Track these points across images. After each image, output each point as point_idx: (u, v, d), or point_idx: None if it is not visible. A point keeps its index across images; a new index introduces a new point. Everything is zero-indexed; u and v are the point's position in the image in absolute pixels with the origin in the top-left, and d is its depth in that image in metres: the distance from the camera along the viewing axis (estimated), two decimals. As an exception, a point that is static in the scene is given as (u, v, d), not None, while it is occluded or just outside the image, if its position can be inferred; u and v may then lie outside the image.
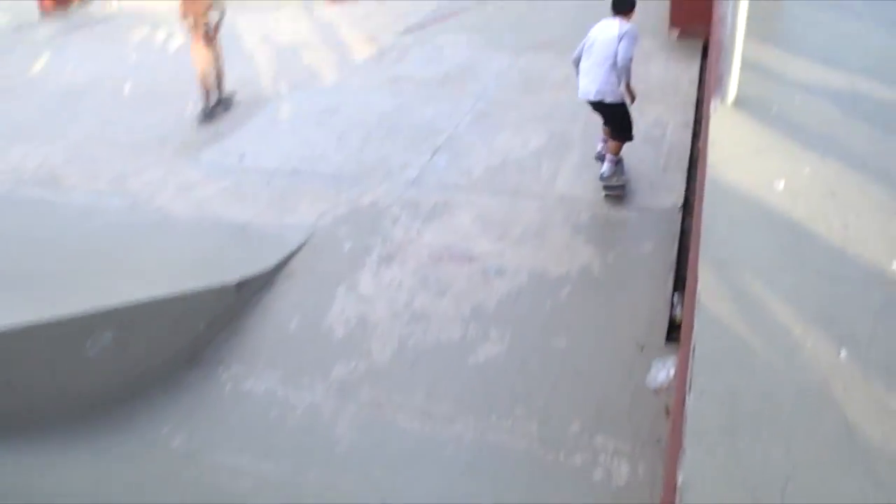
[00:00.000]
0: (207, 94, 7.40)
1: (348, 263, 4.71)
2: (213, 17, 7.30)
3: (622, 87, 4.78)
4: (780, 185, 2.77)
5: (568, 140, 5.98)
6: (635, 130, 5.10)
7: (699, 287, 2.28)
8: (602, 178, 5.08)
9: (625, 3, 4.71)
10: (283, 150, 6.42)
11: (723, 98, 3.38)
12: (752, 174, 2.84)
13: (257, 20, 11.88)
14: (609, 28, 4.73)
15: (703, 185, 2.85)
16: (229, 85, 7.98)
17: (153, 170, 6.42)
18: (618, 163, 5.11)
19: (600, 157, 5.36)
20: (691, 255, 2.88)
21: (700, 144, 3.68)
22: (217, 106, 7.51)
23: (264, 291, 4.44)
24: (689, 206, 4.82)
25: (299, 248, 4.87)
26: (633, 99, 5.03)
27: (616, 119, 4.95)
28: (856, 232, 2.53)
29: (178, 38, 11.56)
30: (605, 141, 5.31)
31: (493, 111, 6.70)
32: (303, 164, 6.11)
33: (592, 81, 4.76)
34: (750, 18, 3.22)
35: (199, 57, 7.30)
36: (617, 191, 5.07)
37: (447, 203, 5.27)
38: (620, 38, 4.64)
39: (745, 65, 3.40)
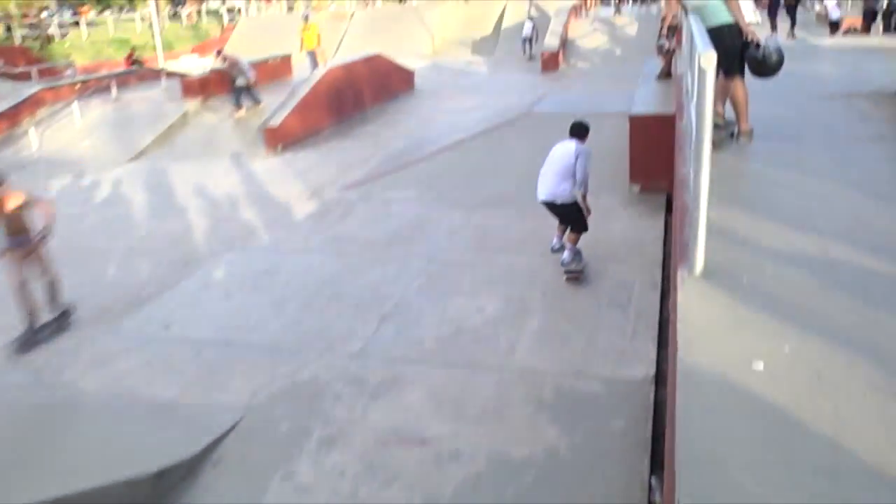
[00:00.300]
0: (31, 315, 6.28)
1: (284, 448, 4.50)
2: (32, 220, 6.15)
3: (579, 198, 6.26)
4: (760, 366, 2.73)
5: (527, 306, 5.97)
6: (604, 288, 5.96)
7: (679, 495, 2.19)
8: (563, 264, 6.47)
9: (581, 129, 6.46)
10: (214, 317, 6.30)
11: (690, 269, 3.39)
12: (727, 354, 2.82)
13: (191, 171, 12.19)
14: (566, 146, 6.38)
15: (675, 368, 2.77)
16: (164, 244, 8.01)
17: (63, 339, 6.24)
18: (577, 252, 6.50)
19: (558, 249, 6.77)
20: (666, 452, 2.74)
21: (669, 316, 3.69)
22: (44, 330, 6.31)
23: (187, 483, 4.23)
24: (661, 377, 4.83)
25: (229, 431, 4.66)
26: (588, 212, 6.43)
27: (570, 216, 6.42)
28: (849, 418, 2.46)
29: (104, 187, 11.71)
30: (559, 237, 6.80)
31: (445, 274, 6.75)
32: (236, 333, 5.99)
33: (546, 186, 6.32)
34: (713, 180, 3.31)
35: (14, 270, 6.19)
36: (577, 274, 6.40)
37: (395, 378, 5.15)
38: (577, 156, 6.20)
39: (711, 230, 3.45)
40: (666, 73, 10.39)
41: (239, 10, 35.92)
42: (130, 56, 23.46)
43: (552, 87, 17.52)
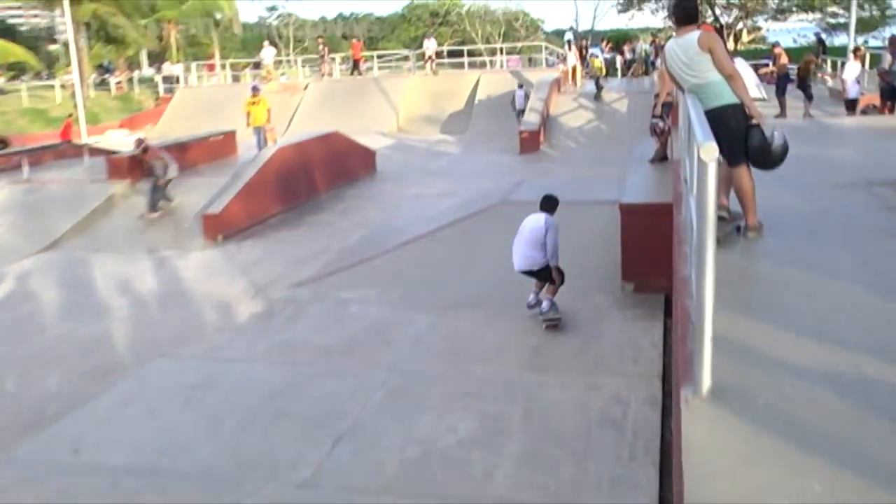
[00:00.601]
0: None
1: None
2: None
3: (552, 266, 7.75)
4: (786, 510, 2.50)
5: (505, 425, 5.90)
6: (595, 404, 6.05)
7: None
8: (542, 313, 7.86)
9: (550, 203, 7.96)
10: (135, 440, 6.12)
11: (695, 388, 3.29)
12: (745, 494, 2.67)
13: (115, 265, 12.07)
14: (536, 219, 7.81)
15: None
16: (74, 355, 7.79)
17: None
18: (554, 303, 7.85)
19: (534, 305, 8.04)
20: None
21: (673, 441, 3.60)
22: None
23: None
24: (666, 509, 4.63)
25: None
26: (561, 280, 7.87)
27: (546, 276, 7.89)
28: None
29: (7, 282, 11.49)
30: (536, 292, 8.05)
31: (410, 387, 6.70)
32: (162, 459, 5.81)
33: (521, 257, 7.82)
34: (718, 282, 3.24)
35: None
36: (556, 321, 7.79)
37: (352, 514, 5.00)
38: (547, 230, 7.68)
39: (719, 342, 3.33)
40: (661, 157, 10.68)
41: (177, 79, 36.42)
42: (68, 128, 23.39)
43: (532, 170, 17.91)
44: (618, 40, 33.24)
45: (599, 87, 24.40)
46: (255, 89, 20.23)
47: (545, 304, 7.86)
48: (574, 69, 26.69)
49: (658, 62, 24.60)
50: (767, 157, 5.49)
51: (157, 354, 8.07)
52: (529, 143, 21.09)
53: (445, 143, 23.76)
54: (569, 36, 33.86)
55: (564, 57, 28.28)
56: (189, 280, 11.17)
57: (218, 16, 46.31)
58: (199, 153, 18.36)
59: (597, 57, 26.52)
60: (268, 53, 33.45)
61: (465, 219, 11.52)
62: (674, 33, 5.93)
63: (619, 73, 30.18)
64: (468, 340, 7.70)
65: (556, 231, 7.72)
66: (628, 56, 30.44)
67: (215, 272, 11.51)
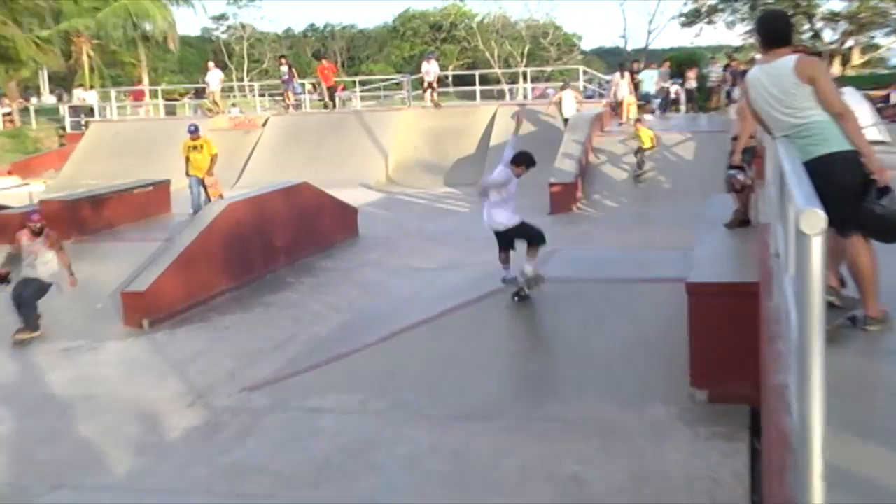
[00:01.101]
0: None
1: None
2: None
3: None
4: None
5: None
6: None
7: None
8: (524, 275, 10.87)
9: (518, 158, 11.31)
10: None
11: None
12: None
13: (3, 361, 11.99)
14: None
15: None
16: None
17: None
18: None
19: (510, 280, 11.00)
20: None
21: None
22: None
23: None
24: None
25: None
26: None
27: (522, 234, 10.94)
28: None
29: None
30: (506, 266, 11.07)
31: (404, 532, 6.63)
32: None
33: (488, 217, 11.04)
34: (830, 392, 3.15)
35: None
36: (540, 282, 10.81)
37: None
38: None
39: (834, 477, 3.24)
40: (741, 220, 10.71)
41: (90, 110, 36.54)
42: None
43: (566, 236, 17.97)
44: (681, 62, 33.51)
45: (641, 164, 22.94)
46: (194, 130, 19.92)
47: (530, 267, 10.71)
48: (627, 103, 26.95)
49: (736, 94, 24.94)
50: (893, 225, 5.36)
51: (52, 486, 7.97)
52: (562, 199, 21.30)
53: (450, 198, 23.94)
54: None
55: (610, 86, 28.67)
56: (102, 381, 11.11)
57: (147, 27, 46.59)
58: (119, 210, 18.52)
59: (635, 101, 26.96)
60: (213, 77, 33.99)
61: (475, 301, 11.52)
62: (758, 56, 5.96)
63: (683, 106, 30.54)
64: (481, 465, 7.64)
65: (499, 170, 10.99)
66: (692, 84, 30.82)
67: (139, 370, 11.46)
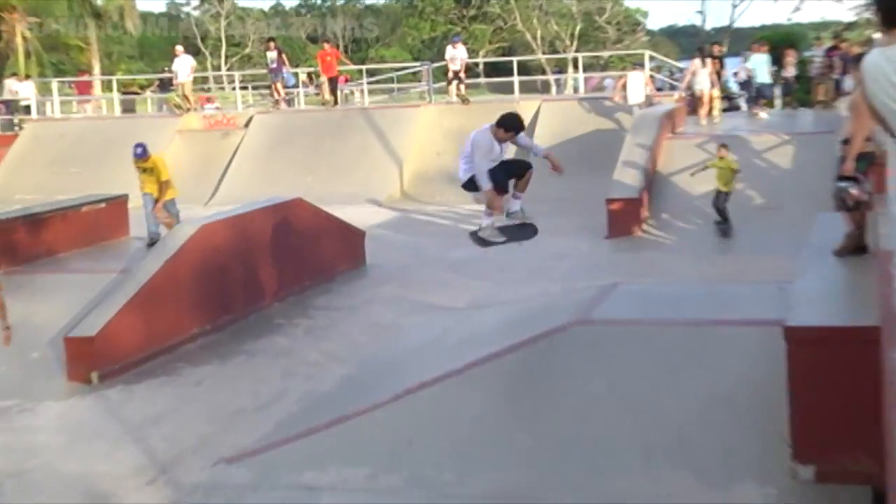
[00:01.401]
0: None
1: None
2: None
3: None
4: None
5: None
6: None
7: None
8: (512, 213, 12.34)
9: (501, 121, 11.65)
10: None
11: None
12: None
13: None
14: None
15: None
16: None
17: None
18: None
19: (514, 212, 12.42)
20: None
21: None
22: None
23: None
24: None
25: None
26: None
27: (509, 171, 12.28)
28: None
29: None
30: (497, 207, 12.20)
31: None
32: None
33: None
34: None
35: None
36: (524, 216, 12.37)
37: None
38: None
39: None
40: (855, 245, 10.60)
41: (27, 106, 36.37)
42: None
43: (629, 266, 17.94)
44: (775, 44, 33.21)
45: (724, 213, 20.55)
46: (140, 154, 18.64)
47: (516, 204, 12.47)
48: (709, 97, 26.85)
49: (847, 84, 24.83)
50: None
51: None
52: (624, 219, 21.28)
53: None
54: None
55: (684, 75, 28.64)
56: (38, 451, 11.09)
57: (99, 1, 46.30)
58: (63, 232, 18.47)
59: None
60: (183, 65, 34.05)
61: (515, 349, 11.45)
62: (877, 36, 5.91)
63: (778, 100, 30.41)
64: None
65: (479, 139, 11.63)
66: (790, 72, 30.58)
67: (85, 437, 11.43)
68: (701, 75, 26.98)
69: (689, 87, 27.55)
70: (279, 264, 16.73)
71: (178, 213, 18.79)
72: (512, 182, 12.19)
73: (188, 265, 14.97)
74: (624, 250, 19.66)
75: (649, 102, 27.04)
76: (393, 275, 18.32)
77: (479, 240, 12.47)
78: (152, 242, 17.77)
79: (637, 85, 26.21)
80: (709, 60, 27.42)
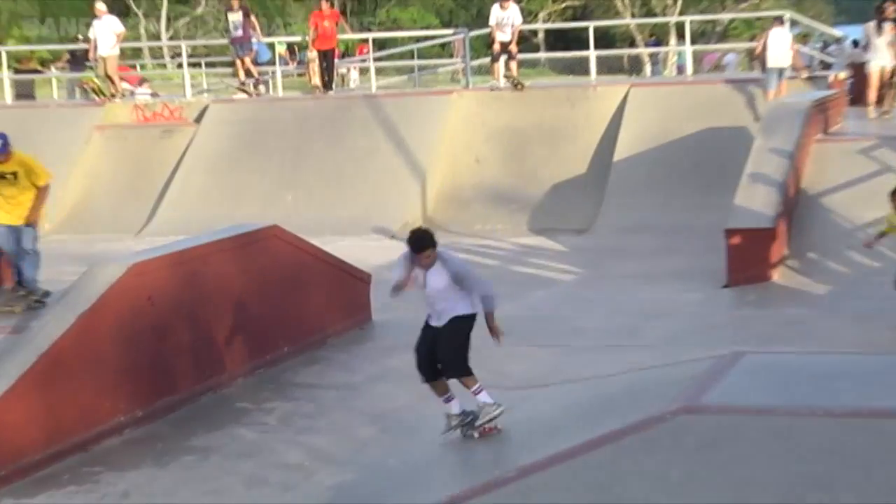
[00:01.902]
0: None
1: None
2: None
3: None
4: None
5: None
6: None
7: None
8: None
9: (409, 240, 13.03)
10: None
11: None
12: None
13: None
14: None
15: None
16: None
17: None
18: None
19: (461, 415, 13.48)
20: None
21: None
22: None
23: None
24: None
25: None
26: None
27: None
28: None
29: None
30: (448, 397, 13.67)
31: None
32: None
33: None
34: None
35: None
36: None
37: None
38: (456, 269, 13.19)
39: None
40: None
41: None
42: None
43: (758, 327, 17.94)
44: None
45: None
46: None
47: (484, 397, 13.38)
48: (888, 76, 26.59)
49: None
50: None
51: None
52: (751, 258, 21.43)
53: (541, 254, 24.02)
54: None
55: (842, 50, 28.60)
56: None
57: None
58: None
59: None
60: (104, 31, 34.32)
61: (593, 450, 11.48)
62: None
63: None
64: None
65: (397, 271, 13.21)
66: None
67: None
68: (878, 46, 26.57)
69: (854, 63, 27.37)
70: (245, 323, 16.81)
71: (38, 254, 18.92)
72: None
73: (110, 324, 14.95)
74: (751, 304, 19.69)
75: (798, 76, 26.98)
76: (410, 338, 18.34)
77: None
78: (41, 297, 17.85)
79: (779, 44, 26.07)
80: (888, 25, 26.93)
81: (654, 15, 59.10)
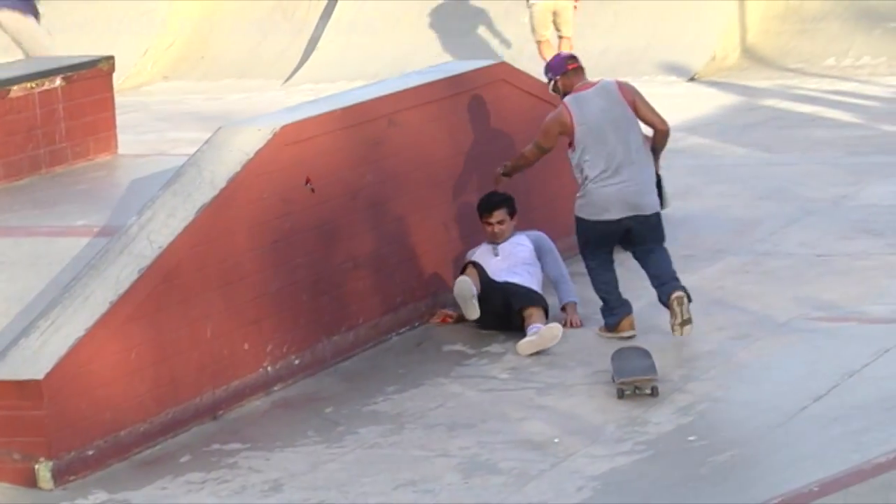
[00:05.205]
0: None
1: None
2: None
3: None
4: None
5: None
6: None
7: None
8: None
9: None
10: None
11: None
12: None
13: None
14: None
15: None
16: None
17: None
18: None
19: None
20: None
21: None
22: None
23: None
24: None
25: None
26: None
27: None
28: None
29: None
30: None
31: None
32: None
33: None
34: None
35: None
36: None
37: None
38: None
39: None
40: None
41: None
42: None
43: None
44: None
45: None
46: None
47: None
48: None
49: None
50: None
51: None
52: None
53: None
54: None
55: None
56: None
57: None
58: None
59: None
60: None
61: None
62: None
63: None
64: None
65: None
66: None
67: None
68: None
69: None
70: (461, 220, 16.69)
71: None
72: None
73: (248, 223, 14.84)
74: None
75: None
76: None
77: None
78: None
79: None
80: None
81: None
